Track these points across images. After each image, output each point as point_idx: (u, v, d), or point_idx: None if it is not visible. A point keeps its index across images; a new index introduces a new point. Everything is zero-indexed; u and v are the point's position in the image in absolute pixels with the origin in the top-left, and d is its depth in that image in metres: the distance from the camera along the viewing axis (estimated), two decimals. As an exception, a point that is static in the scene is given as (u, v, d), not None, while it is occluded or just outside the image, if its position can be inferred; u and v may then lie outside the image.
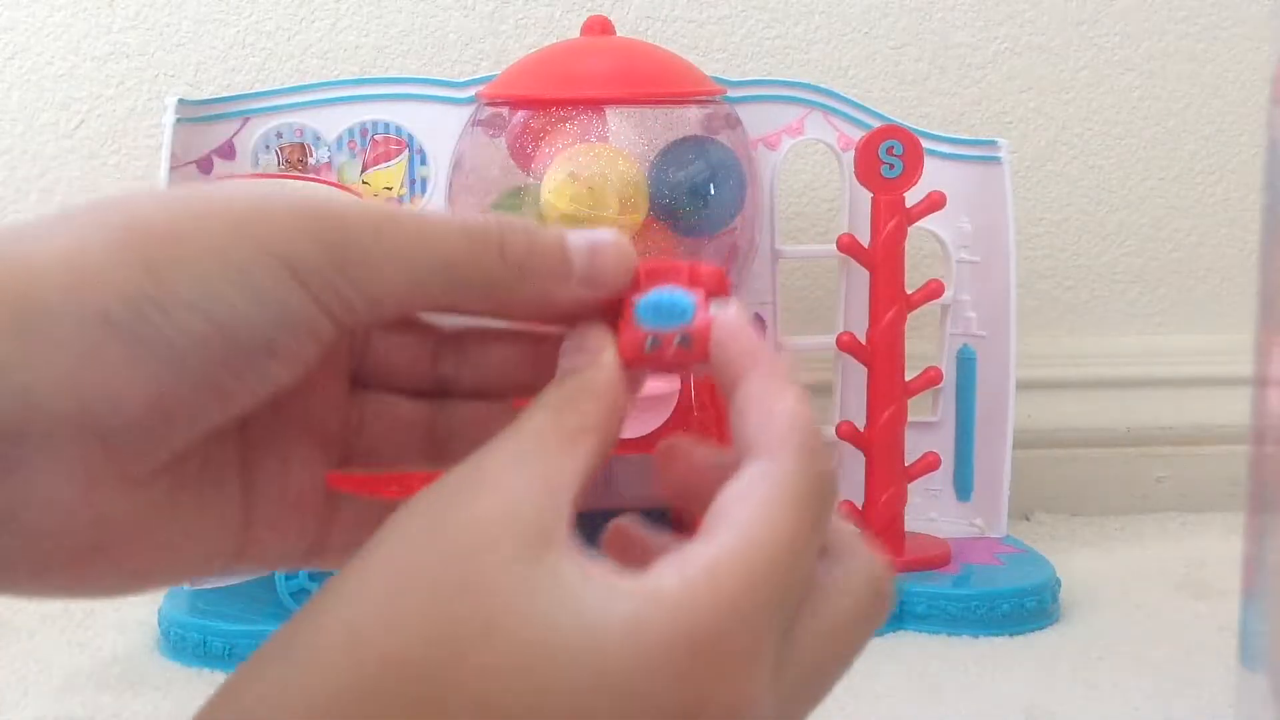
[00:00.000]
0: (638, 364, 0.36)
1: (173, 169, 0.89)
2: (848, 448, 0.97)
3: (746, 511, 0.32)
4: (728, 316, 0.36)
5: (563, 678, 0.30)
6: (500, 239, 0.34)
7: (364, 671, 0.30)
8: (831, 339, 0.95)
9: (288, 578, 0.81)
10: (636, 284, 0.36)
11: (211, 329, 0.31)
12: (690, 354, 0.35)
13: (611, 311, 0.36)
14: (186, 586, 0.87)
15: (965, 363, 0.99)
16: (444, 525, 0.31)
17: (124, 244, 0.31)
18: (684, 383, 0.86)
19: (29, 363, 0.30)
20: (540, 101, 0.89)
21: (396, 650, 0.30)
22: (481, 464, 0.32)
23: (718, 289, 0.36)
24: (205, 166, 0.92)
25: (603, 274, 0.36)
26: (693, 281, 0.36)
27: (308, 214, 0.32)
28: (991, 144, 0.97)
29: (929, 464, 0.94)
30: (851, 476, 0.97)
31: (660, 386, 0.86)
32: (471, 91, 0.94)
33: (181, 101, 0.90)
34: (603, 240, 0.36)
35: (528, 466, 0.32)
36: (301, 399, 0.36)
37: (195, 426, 0.32)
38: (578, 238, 0.35)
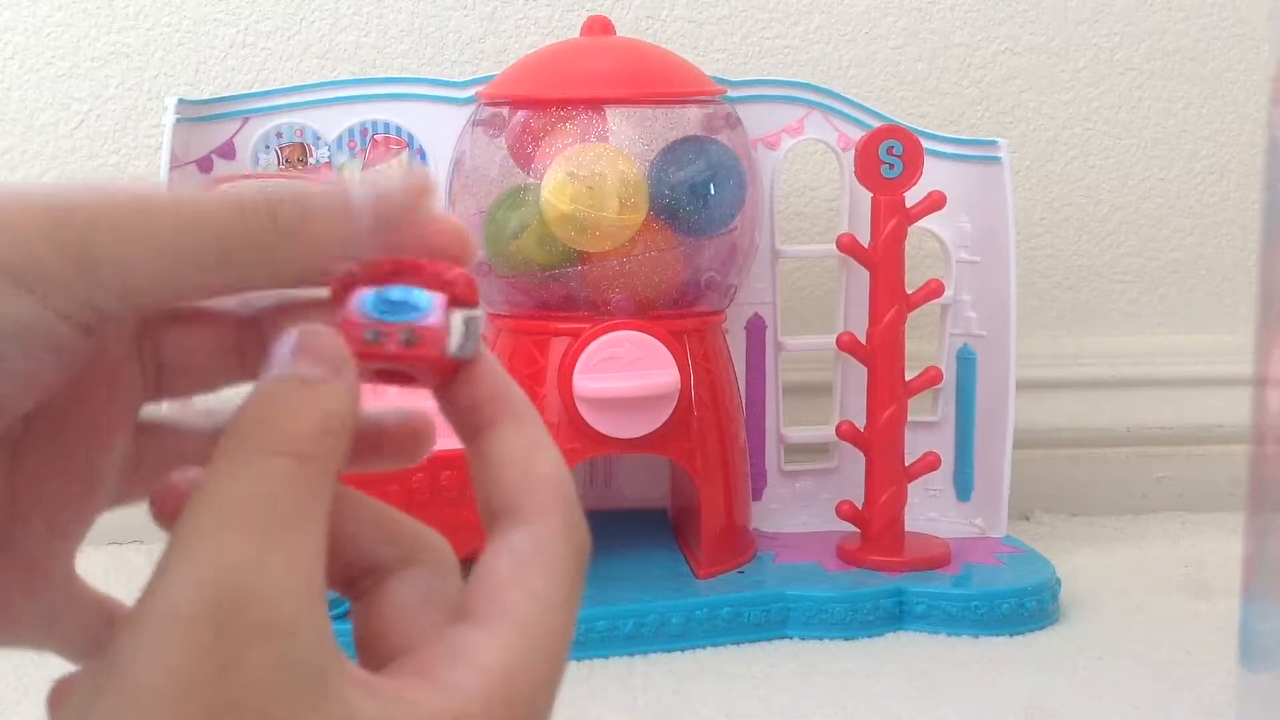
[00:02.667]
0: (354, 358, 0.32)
1: (173, 169, 0.89)
2: (848, 448, 0.97)
3: (524, 600, 0.32)
4: (487, 356, 0.34)
5: None
6: (272, 208, 0.32)
7: None
8: (831, 339, 0.95)
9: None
10: (380, 277, 0.33)
11: None
12: (414, 352, 0.33)
13: (341, 295, 0.33)
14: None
15: (965, 363, 0.99)
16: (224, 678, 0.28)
17: None
18: (684, 382, 0.86)
19: None
20: (540, 101, 0.89)
21: None
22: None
23: (465, 298, 0.34)
24: (205, 166, 0.92)
25: (390, 224, 0.33)
26: (441, 285, 0.33)
27: (41, 211, 0.30)
28: (991, 144, 0.96)
29: (929, 464, 0.94)
30: (851, 476, 0.97)
31: (660, 386, 0.86)
32: (471, 91, 0.94)
33: (181, 101, 0.90)
34: (388, 192, 0.33)
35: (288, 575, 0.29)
36: (83, 434, 0.33)
37: None
38: (361, 193, 0.33)
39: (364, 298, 0.33)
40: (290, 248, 0.32)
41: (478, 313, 0.34)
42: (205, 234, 0.31)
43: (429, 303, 0.33)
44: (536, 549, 0.32)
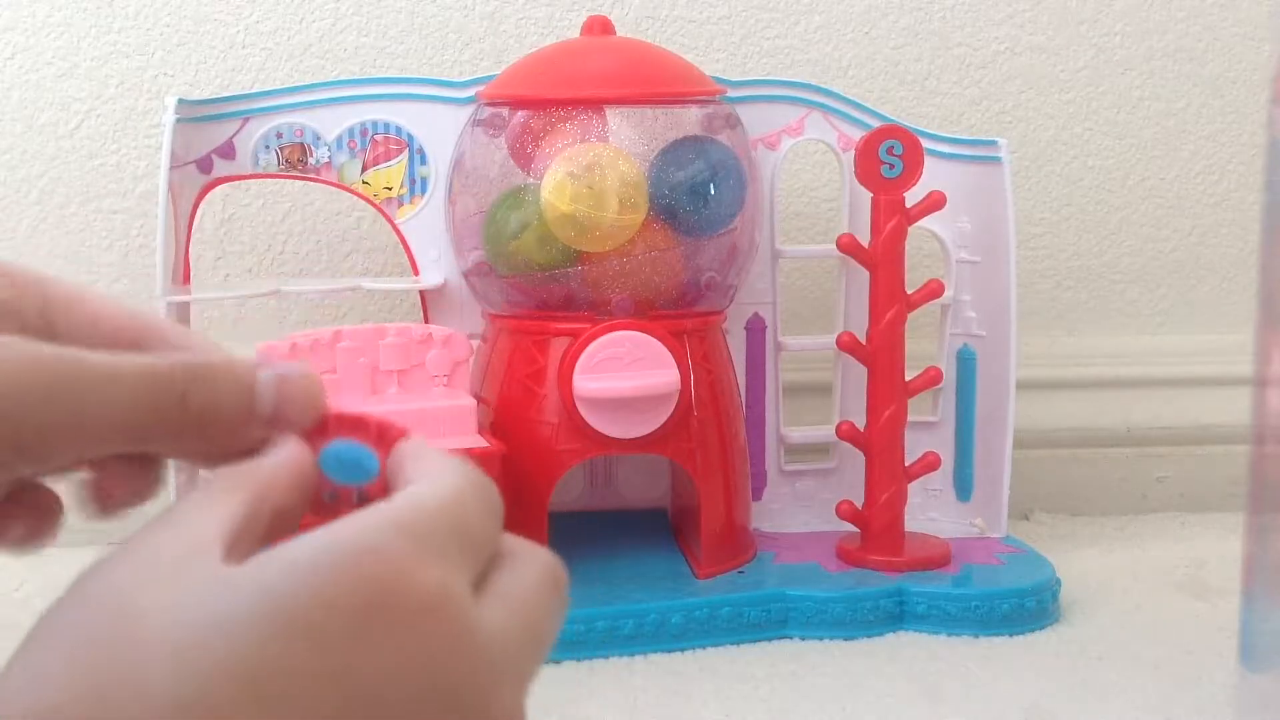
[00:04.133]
0: (309, 511, 0.35)
1: (173, 169, 0.89)
2: (848, 448, 0.97)
3: (417, 470, 0.34)
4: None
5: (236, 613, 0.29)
6: (183, 390, 0.34)
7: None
8: (831, 339, 0.95)
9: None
10: (324, 429, 0.36)
11: None
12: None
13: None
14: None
15: (965, 363, 0.99)
16: (87, 584, 0.31)
17: None
18: (684, 382, 0.86)
19: None
20: (540, 101, 0.89)
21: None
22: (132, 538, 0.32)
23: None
24: (205, 166, 0.92)
25: (288, 413, 0.36)
26: (380, 440, 0.36)
27: None
28: (991, 144, 0.97)
29: (929, 464, 0.94)
30: (851, 476, 0.97)
31: (660, 386, 0.86)
32: (471, 91, 0.94)
33: (181, 101, 0.90)
34: (291, 378, 0.36)
35: (169, 527, 0.32)
36: None
37: None
38: (266, 376, 0.36)
39: (322, 455, 0.35)
40: (195, 428, 0.34)
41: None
42: (117, 413, 0.33)
43: (376, 464, 0.36)
44: (430, 452, 0.35)
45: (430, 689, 0.30)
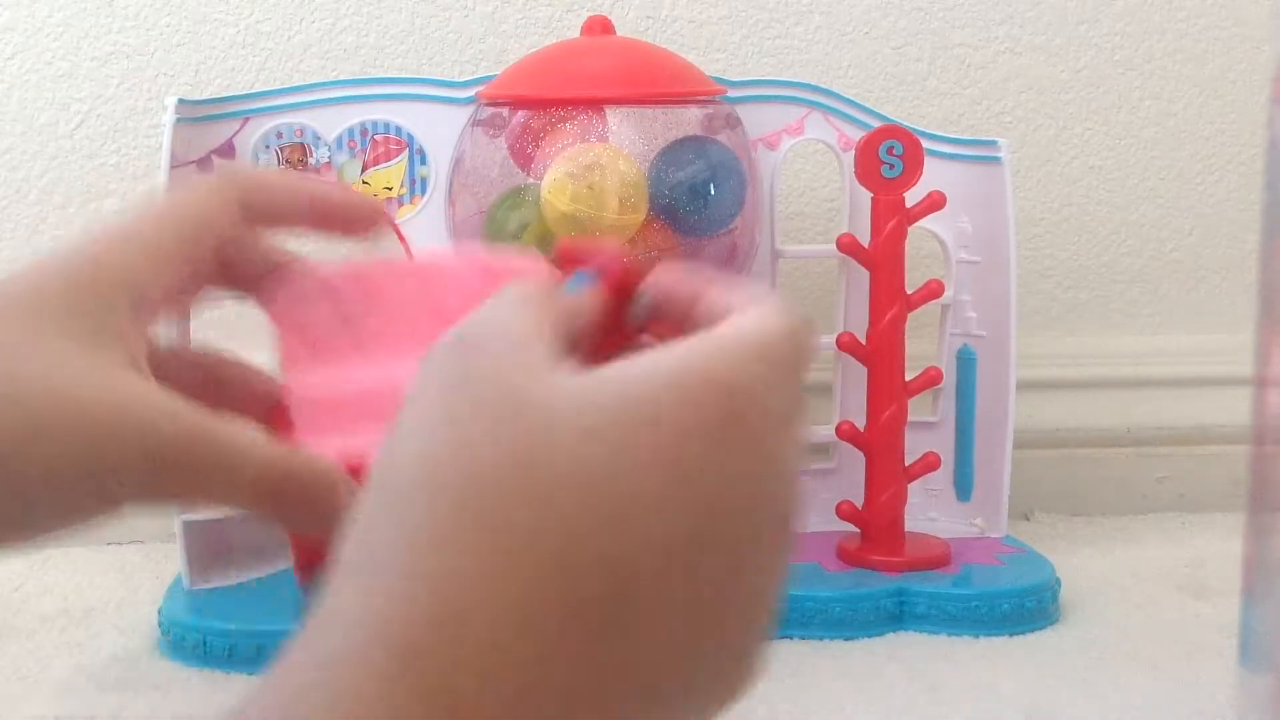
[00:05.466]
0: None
1: (173, 169, 0.89)
2: (848, 448, 0.97)
3: (741, 311, 0.35)
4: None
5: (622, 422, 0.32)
6: (283, 490, 0.41)
7: (447, 494, 0.31)
8: (831, 339, 0.95)
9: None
10: (564, 263, 0.41)
11: None
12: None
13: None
14: (187, 586, 0.87)
15: (965, 363, 0.99)
16: (463, 366, 0.33)
17: None
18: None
19: None
20: (540, 101, 0.89)
21: (465, 462, 0.31)
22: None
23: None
24: (205, 166, 0.92)
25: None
26: (612, 277, 0.40)
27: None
28: (991, 144, 0.97)
29: (929, 464, 0.94)
30: (851, 476, 0.97)
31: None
32: (471, 91, 0.94)
33: (181, 101, 0.90)
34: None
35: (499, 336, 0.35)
36: None
37: None
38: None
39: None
40: (279, 513, 0.41)
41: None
42: (232, 489, 0.41)
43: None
44: (753, 300, 0.36)
45: (760, 500, 0.33)
